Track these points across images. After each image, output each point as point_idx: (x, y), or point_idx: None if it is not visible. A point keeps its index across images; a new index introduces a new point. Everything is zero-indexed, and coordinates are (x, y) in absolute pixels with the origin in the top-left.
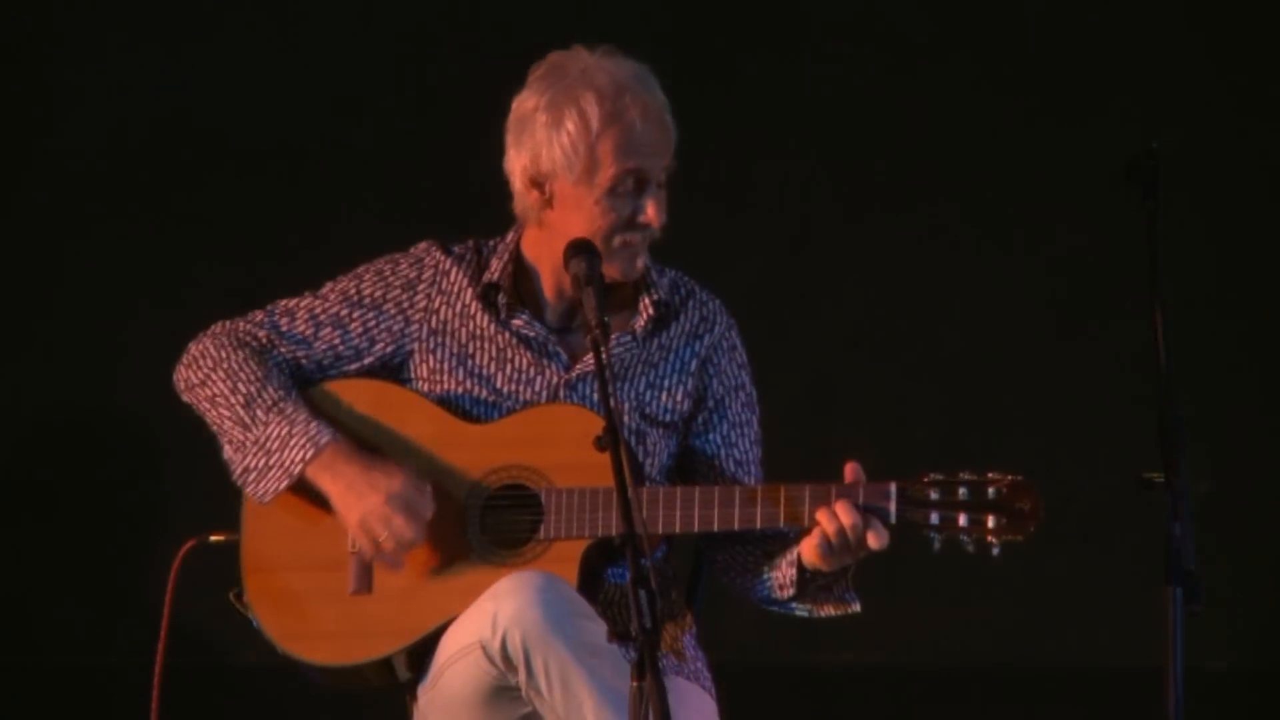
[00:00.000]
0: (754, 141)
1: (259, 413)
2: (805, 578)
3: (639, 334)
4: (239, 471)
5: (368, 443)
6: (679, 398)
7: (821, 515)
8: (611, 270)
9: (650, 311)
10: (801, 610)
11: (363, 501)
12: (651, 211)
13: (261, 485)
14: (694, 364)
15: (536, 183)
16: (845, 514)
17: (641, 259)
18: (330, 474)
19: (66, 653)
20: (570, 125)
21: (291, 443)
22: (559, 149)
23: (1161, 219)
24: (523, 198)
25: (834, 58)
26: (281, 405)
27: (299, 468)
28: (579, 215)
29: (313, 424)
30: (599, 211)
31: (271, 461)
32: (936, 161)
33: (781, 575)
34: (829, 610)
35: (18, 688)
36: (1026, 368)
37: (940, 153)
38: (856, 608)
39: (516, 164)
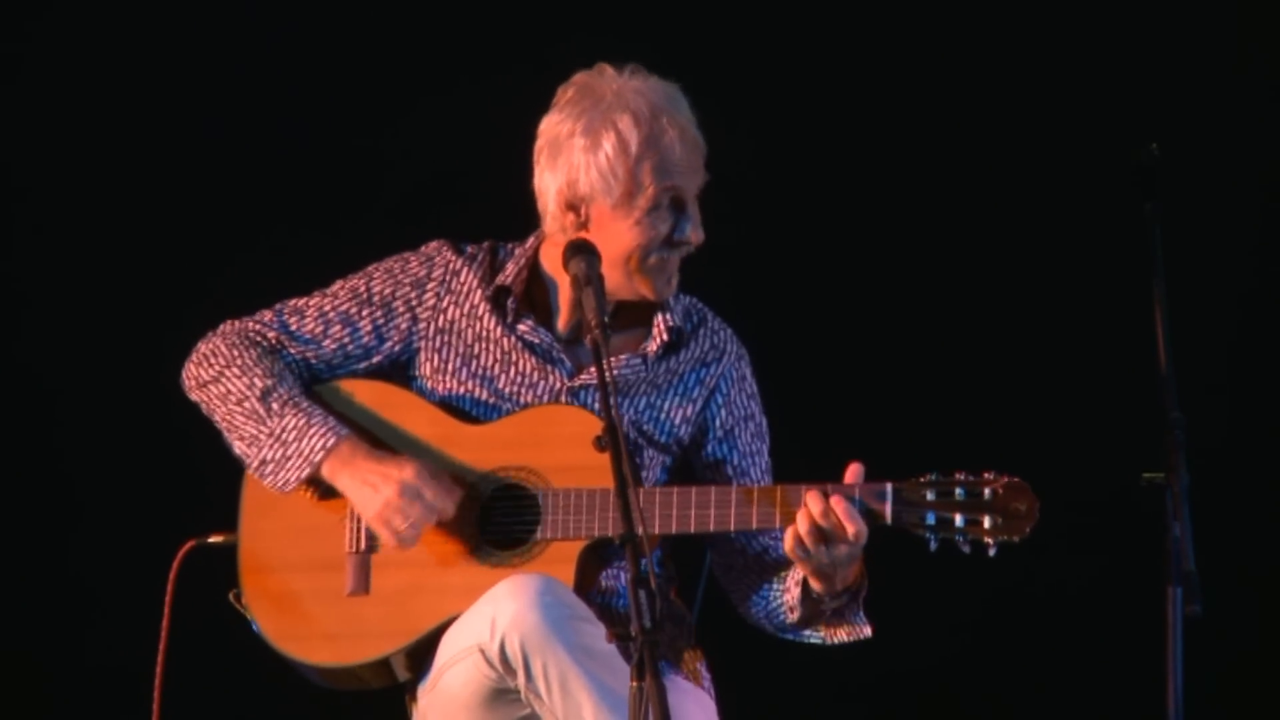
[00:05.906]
0: (751, 141)
1: (274, 405)
2: (811, 596)
3: (649, 359)
4: (256, 464)
5: (372, 440)
6: (676, 421)
7: (800, 513)
8: (644, 288)
9: (664, 338)
10: (815, 638)
11: (378, 495)
12: (691, 230)
13: (281, 475)
14: (697, 391)
15: (572, 205)
16: (817, 507)
17: (676, 278)
18: (348, 470)
19: (66, 654)
20: (609, 148)
21: (311, 432)
22: (597, 172)
23: (1161, 219)
24: (557, 219)
25: (835, 57)
26: (297, 400)
27: (320, 455)
28: (616, 236)
29: (330, 418)
30: (638, 231)
31: (290, 451)
32: (936, 161)
33: (791, 597)
34: (842, 636)
35: (17, 687)
36: (1026, 368)
37: (939, 152)
38: (868, 632)
39: (551, 186)
